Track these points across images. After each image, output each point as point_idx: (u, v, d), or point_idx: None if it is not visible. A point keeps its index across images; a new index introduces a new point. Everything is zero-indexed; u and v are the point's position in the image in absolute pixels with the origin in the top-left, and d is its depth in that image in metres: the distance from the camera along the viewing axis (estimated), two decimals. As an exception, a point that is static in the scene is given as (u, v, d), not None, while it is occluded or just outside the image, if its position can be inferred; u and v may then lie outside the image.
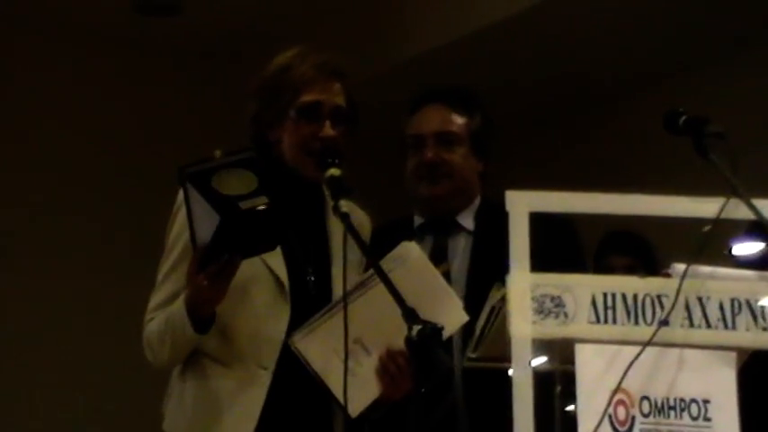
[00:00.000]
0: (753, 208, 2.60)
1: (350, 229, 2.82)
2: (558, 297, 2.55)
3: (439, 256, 3.33)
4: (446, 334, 2.89)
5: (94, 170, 6.48)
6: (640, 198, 2.67)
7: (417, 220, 3.55)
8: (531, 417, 2.46)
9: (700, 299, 2.59)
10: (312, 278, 3.05)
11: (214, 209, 2.70)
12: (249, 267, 2.88)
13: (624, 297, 2.57)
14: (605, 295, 2.57)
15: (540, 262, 2.56)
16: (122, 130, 6.56)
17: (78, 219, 6.35)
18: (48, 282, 6.22)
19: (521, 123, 6.68)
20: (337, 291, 2.97)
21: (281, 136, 3.06)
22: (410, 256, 3.00)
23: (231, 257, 2.77)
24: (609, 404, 2.50)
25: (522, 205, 2.57)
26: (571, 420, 2.53)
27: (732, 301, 2.61)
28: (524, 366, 2.50)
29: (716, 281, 2.62)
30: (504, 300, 2.56)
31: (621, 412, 2.52)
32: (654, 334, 2.54)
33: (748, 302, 2.61)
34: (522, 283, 2.54)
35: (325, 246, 3.09)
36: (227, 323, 2.94)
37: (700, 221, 2.66)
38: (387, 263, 2.90)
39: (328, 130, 3.04)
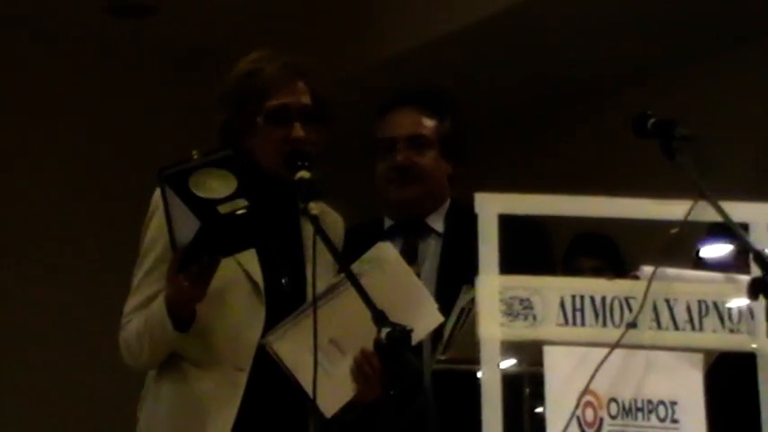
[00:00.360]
0: (720, 210, 2.61)
1: (319, 231, 2.82)
2: (527, 299, 2.55)
3: (409, 259, 3.33)
4: (422, 335, 2.92)
5: (69, 171, 6.47)
6: (608, 200, 2.69)
7: (387, 223, 3.56)
8: (499, 419, 2.47)
9: (667, 301, 2.60)
10: (286, 280, 3.05)
11: (193, 213, 2.70)
12: (224, 270, 2.88)
13: (592, 299, 2.58)
14: (574, 297, 2.58)
15: (509, 264, 2.57)
16: (95, 132, 6.55)
17: (49, 220, 6.34)
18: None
19: (495, 125, 6.70)
20: (312, 292, 2.98)
21: (254, 143, 3.06)
22: (386, 257, 3.00)
23: (211, 259, 2.77)
24: (577, 406, 2.51)
25: (491, 207, 2.58)
26: (540, 422, 2.54)
27: (699, 303, 2.62)
28: (493, 368, 2.50)
29: (683, 283, 2.64)
30: (473, 302, 2.57)
31: (590, 414, 2.53)
32: (622, 336, 2.55)
33: (715, 304, 2.63)
34: (490, 286, 2.54)
35: (300, 248, 3.09)
36: (203, 325, 2.94)
37: (668, 224, 2.67)
38: (362, 264, 2.91)
39: (298, 131, 3.04)
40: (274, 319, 2.96)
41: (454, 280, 2.74)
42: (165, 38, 6.52)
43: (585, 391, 2.51)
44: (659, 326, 2.60)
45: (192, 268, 2.76)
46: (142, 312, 2.97)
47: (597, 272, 4.32)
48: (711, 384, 2.62)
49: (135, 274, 3.06)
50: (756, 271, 2.51)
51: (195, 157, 2.72)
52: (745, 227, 2.65)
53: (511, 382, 2.56)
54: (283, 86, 3.06)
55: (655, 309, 2.60)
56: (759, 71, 5.94)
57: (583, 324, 2.57)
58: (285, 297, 3.01)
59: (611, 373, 2.54)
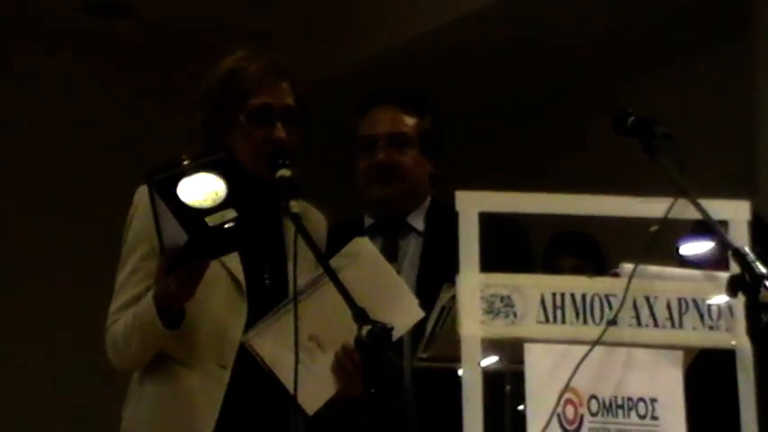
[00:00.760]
0: (699, 208, 2.62)
1: (300, 229, 2.82)
2: (508, 297, 2.56)
3: (389, 257, 3.33)
4: (402, 330, 2.91)
5: (43, 172, 6.45)
6: (589, 198, 2.69)
7: (368, 221, 3.56)
8: (480, 416, 2.48)
9: (647, 298, 2.61)
10: (268, 277, 3.05)
11: (181, 225, 2.67)
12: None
13: (573, 297, 2.59)
14: (554, 295, 2.59)
15: (490, 262, 2.57)
16: (73, 131, 6.53)
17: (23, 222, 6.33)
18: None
19: (474, 123, 6.70)
20: (293, 289, 2.98)
21: (235, 141, 3.06)
22: (363, 252, 3.00)
23: (199, 263, 2.77)
24: (558, 403, 2.52)
25: (471, 205, 2.58)
26: (521, 419, 2.54)
27: (679, 300, 2.63)
28: (474, 366, 2.51)
29: (663, 280, 2.65)
30: (453, 300, 2.57)
31: (570, 411, 2.54)
32: (602, 333, 2.56)
33: (695, 302, 2.64)
34: (471, 283, 2.55)
35: (282, 246, 3.09)
36: (186, 323, 2.94)
37: (648, 221, 2.68)
38: (339, 259, 2.91)
39: (279, 132, 3.04)
40: (257, 317, 2.97)
41: (435, 278, 2.74)
42: (142, 36, 6.51)
43: (566, 388, 2.52)
44: (639, 323, 2.61)
45: (179, 273, 2.75)
46: (129, 311, 2.96)
47: (577, 270, 4.33)
48: (691, 382, 2.63)
49: (118, 275, 3.06)
50: (735, 268, 2.51)
51: (185, 161, 2.69)
52: (724, 224, 2.66)
53: (492, 380, 2.56)
54: (267, 86, 3.06)
55: (635, 306, 2.61)
56: (736, 71, 5.96)
57: (563, 322, 2.58)
58: (267, 294, 3.02)
59: (592, 370, 2.55)
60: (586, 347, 2.54)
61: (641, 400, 2.58)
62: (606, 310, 2.59)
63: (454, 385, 2.51)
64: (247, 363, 2.93)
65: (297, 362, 2.81)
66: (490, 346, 2.57)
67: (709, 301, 2.64)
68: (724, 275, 2.56)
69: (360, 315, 2.53)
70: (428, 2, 6.10)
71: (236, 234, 2.72)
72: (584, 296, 2.59)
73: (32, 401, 6.11)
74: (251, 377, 2.94)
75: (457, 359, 2.52)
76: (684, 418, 2.60)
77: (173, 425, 2.95)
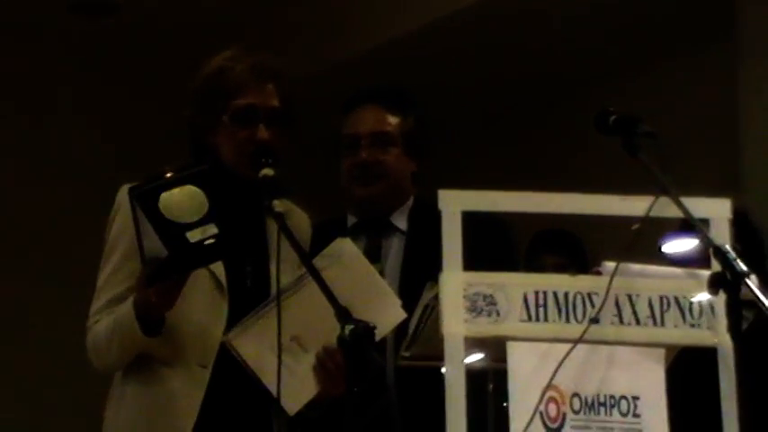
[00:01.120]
0: (681, 206, 2.63)
1: (283, 228, 2.82)
2: (491, 296, 2.57)
3: (372, 256, 3.34)
4: (385, 331, 2.91)
5: (39, 170, 6.45)
6: (571, 197, 2.70)
7: (351, 220, 3.56)
8: (463, 415, 2.48)
9: (629, 296, 2.62)
10: (249, 277, 3.05)
11: (161, 240, 2.65)
12: None
13: (555, 295, 2.60)
14: (537, 293, 2.59)
15: (473, 261, 2.58)
16: (59, 131, 6.53)
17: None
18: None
19: (457, 122, 6.71)
20: (275, 289, 2.98)
21: (219, 141, 3.06)
22: (344, 253, 3.00)
23: (180, 276, 2.77)
24: (540, 401, 2.53)
25: (454, 204, 2.59)
26: (504, 417, 2.55)
27: (661, 298, 2.64)
28: (457, 364, 2.51)
29: (645, 278, 2.65)
30: (436, 298, 2.58)
31: (553, 409, 2.55)
32: (584, 331, 2.56)
33: (677, 300, 2.65)
34: (454, 282, 2.55)
35: (264, 245, 3.09)
36: (168, 323, 2.93)
37: (630, 220, 2.68)
38: (321, 260, 2.90)
39: (263, 133, 3.03)
40: (238, 316, 2.96)
41: (417, 278, 2.74)
42: (128, 34, 6.50)
43: (549, 386, 2.53)
44: (621, 321, 2.61)
45: (159, 285, 2.75)
46: (111, 313, 2.96)
47: (560, 268, 4.32)
48: (674, 379, 2.64)
49: (99, 275, 3.05)
50: (717, 266, 2.52)
51: (168, 174, 2.66)
52: (706, 222, 2.67)
53: (475, 378, 2.57)
54: (252, 86, 3.05)
55: (617, 304, 2.61)
56: (718, 71, 5.98)
57: (546, 320, 2.58)
58: (249, 294, 3.01)
59: (574, 368, 2.55)
60: (569, 345, 2.54)
61: (623, 397, 2.59)
62: (588, 308, 2.60)
63: (437, 384, 2.52)
64: (228, 363, 2.93)
65: (280, 363, 2.82)
66: (473, 344, 2.57)
67: (690, 299, 2.64)
68: (705, 273, 2.57)
69: (343, 314, 2.53)
70: (412, 3, 6.11)
71: (216, 249, 2.72)
72: (566, 294, 2.60)
73: (19, 401, 6.11)
74: (232, 377, 2.94)
75: (440, 358, 2.52)
76: (666, 416, 2.61)
77: (153, 425, 2.94)
